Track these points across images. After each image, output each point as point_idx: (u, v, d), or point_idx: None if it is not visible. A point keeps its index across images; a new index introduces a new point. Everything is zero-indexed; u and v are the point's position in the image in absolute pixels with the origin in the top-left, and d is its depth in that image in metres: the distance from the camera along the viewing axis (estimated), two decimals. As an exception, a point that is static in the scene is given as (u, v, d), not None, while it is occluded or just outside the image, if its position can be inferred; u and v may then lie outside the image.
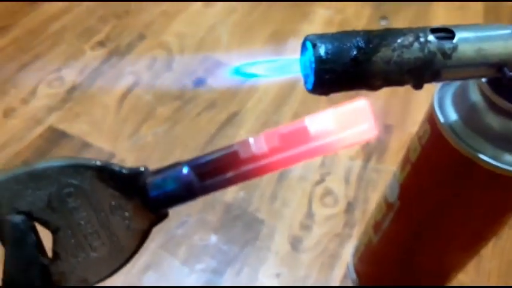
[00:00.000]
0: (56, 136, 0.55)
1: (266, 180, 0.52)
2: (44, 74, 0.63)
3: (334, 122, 0.14)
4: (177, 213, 0.49)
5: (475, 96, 0.29)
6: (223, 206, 0.49)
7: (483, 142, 0.28)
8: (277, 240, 0.47)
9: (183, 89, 0.63)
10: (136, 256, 0.45)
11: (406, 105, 0.63)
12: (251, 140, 0.15)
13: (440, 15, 0.80)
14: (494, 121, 0.28)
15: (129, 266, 0.44)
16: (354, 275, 0.45)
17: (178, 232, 0.47)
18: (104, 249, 0.16)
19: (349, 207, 0.51)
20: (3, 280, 0.15)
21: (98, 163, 0.15)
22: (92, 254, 0.15)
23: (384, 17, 0.78)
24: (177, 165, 0.15)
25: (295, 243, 0.47)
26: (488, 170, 0.28)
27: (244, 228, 0.48)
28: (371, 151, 0.57)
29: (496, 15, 0.81)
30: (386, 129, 0.60)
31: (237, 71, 0.26)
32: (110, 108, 0.59)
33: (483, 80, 0.28)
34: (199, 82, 0.64)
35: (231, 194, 0.51)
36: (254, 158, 0.14)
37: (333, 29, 0.69)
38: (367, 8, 0.79)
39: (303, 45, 0.23)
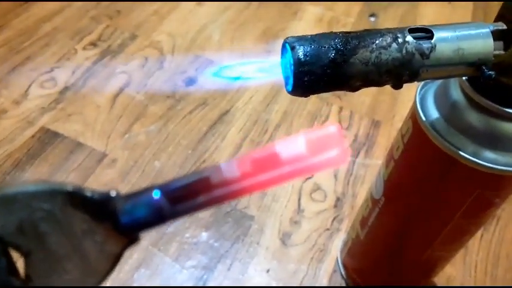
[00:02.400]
0: (49, 137, 0.56)
1: (257, 178, 0.53)
2: (36, 74, 0.63)
3: (305, 147, 0.15)
4: (169, 211, 0.49)
5: (456, 94, 0.30)
6: (215, 204, 0.50)
7: (464, 139, 0.29)
8: (267, 235, 0.48)
9: (174, 88, 0.64)
10: (128, 254, 0.45)
11: (394, 102, 0.64)
12: (223, 166, 0.15)
13: (429, 12, 0.81)
14: (474, 119, 0.29)
15: (120, 263, 0.45)
16: (342, 270, 0.46)
17: (169, 229, 0.48)
18: (77, 271, 0.16)
19: (338, 202, 0.52)
20: None
21: (69, 188, 0.15)
22: (65, 277, 0.15)
23: (373, 14, 0.79)
24: (149, 190, 0.15)
25: (285, 239, 0.48)
26: (469, 166, 0.29)
27: (235, 225, 0.49)
28: (359, 147, 0.58)
29: (484, 12, 0.82)
30: (374, 125, 0.61)
31: (220, 73, 0.27)
32: (102, 108, 0.60)
33: (464, 78, 0.29)
34: (191, 81, 0.65)
35: (222, 191, 0.51)
36: (225, 182, 0.15)
37: (323, 27, 0.70)
38: (356, 6, 0.80)
39: (283, 48, 0.24)
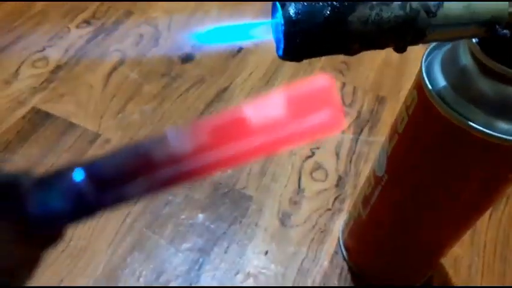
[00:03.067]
0: (40, 117, 0.54)
1: (255, 157, 0.51)
2: (28, 54, 0.61)
3: (285, 109, 0.11)
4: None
5: (466, 59, 0.27)
6: (211, 184, 0.48)
7: (474, 109, 0.27)
8: (266, 216, 0.46)
9: (170, 65, 0.61)
10: (121, 236, 0.44)
11: (399, 76, 0.61)
12: (170, 135, 0.11)
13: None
14: (486, 86, 0.26)
15: (114, 246, 0.43)
16: (344, 251, 0.44)
17: (164, 211, 0.46)
18: None
19: (340, 182, 0.50)
20: None
21: None
22: None
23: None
24: (69, 170, 0.12)
25: (284, 219, 0.46)
26: (481, 138, 0.26)
27: (232, 206, 0.47)
28: (363, 124, 0.55)
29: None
30: (379, 101, 0.58)
31: (211, 37, 0.24)
32: (95, 87, 0.58)
33: (474, 41, 0.26)
34: (187, 58, 0.62)
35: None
36: (173, 159, 0.11)
37: None
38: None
39: (273, 6, 0.21)
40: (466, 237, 0.47)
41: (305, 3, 0.20)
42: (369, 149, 0.53)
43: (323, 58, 0.62)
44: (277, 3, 0.20)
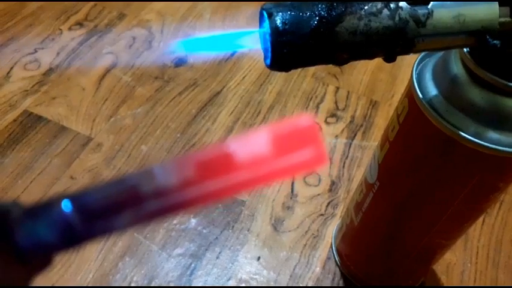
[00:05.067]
0: (32, 120, 0.53)
1: (248, 161, 0.51)
2: (19, 56, 0.61)
3: (269, 146, 0.11)
4: (155, 197, 0.47)
5: (457, 68, 0.27)
6: (203, 189, 0.48)
7: (464, 118, 0.26)
8: (259, 221, 0.46)
9: (163, 68, 0.61)
10: (112, 241, 0.43)
11: (393, 80, 0.61)
12: (156, 169, 0.11)
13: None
14: (477, 95, 0.26)
15: (105, 251, 0.43)
16: (337, 257, 0.44)
17: (156, 217, 0.45)
18: None
19: (333, 187, 0.50)
20: None
21: None
22: None
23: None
24: (56, 201, 0.12)
25: (277, 225, 0.46)
26: (471, 148, 0.26)
27: (225, 211, 0.46)
28: (356, 128, 0.55)
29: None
30: (372, 105, 0.58)
31: (198, 47, 0.24)
32: (87, 90, 0.57)
33: (465, 50, 0.26)
34: (180, 61, 0.62)
35: (211, 176, 0.49)
36: (159, 192, 0.11)
37: None
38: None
39: (261, 16, 0.21)
40: (459, 243, 0.47)
41: (292, 13, 0.20)
42: (362, 154, 0.53)
43: (317, 62, 0.62)
44: (264, 13, 0.20)
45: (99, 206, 0.12)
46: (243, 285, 0.42)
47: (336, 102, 0.58)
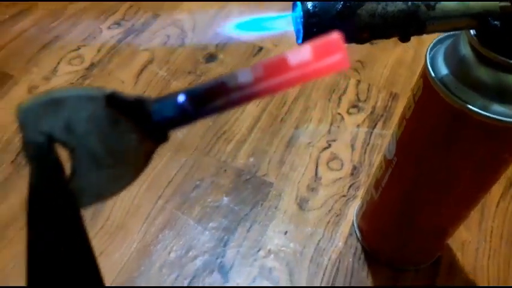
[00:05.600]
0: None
1: (275, 147, 0.55)
2: (64, 52, 0.66)
3: (310, 53, 0.16)
4: (191, 177, 0.51)
5: (465, 50, 0.30)
6: (234, 171, 0.52)
7: (472, 93, 0.30)
8: (285, 200, 0.50)
9: (195, 63, 0.66)
10: (154, 216, 0.48)
11: (412, 74, 0.64)
12: (238, 71, 0.16)
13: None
14: (483, 73, 0.29)
15: (147, 225, 0.47)
16: (358, 233, 0.48)
17: (192, 195, 0.50)
18: (115, 167, 0.18)
19: (355, 171, 0.53)
20: (29, 194, 0.17)
21: (108, 91, 0.17)
22: (105, 171, 0.18)
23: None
24: (175, 93, 0.17)
25: (302, 204, 0.50)
26: (478, 120, 0.29)
27: (254, 191, 0.51)
28: (377, 118, 0.59)
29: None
30: (393, 97, 0.61)
31: (241, 26, 0.28)
32: (127, 83, 0.62)
33: (472, 33, 0.29)
34: (211, 57, 0.67)
35: (241, 160, 0.53)
36: (241, 86, 0.16)
37: None
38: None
39: (294, 3, 0.25)
40: (474, 223, 0.50)
41: (321, -1, 0.24)
42: (382, 141, 0.56)
43: (339, 56, 0.66)
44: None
45: (202, 95, 0.17)
46: (272, 256, 0.46)
47: (357, 94, 0.62)
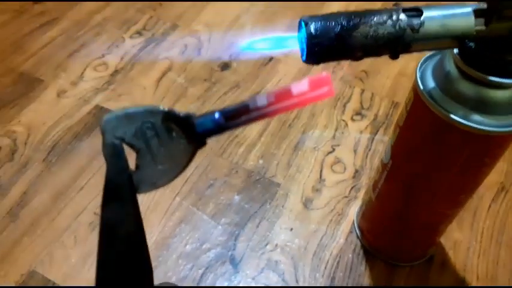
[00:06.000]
0: (102, 113, 0.64)
1: (283, 150, 0.59)
2: (90, 59, 0.72)
3: (307, 86, 0.22)
4: (206, 176, 0.56)
5: (450, 66, 0.35)
6: (245, 172, 0.57)
7: (455, 105, 0.34)
8: (292, 200, 0.54)
9: (211, 72, 0.70)
10: (171, 211, 0.53)
11: (413, 85, 0.68)
12: (257, 97, 0.23)
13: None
14: (464, 87, 0.34)
15: (165, 219, 0.52)
16: (358, 231, 0.52)
17: (207, 192, 0.55)
18: (167, 163, 0.24)
19: (356, 174, 0.57)
20: (105, 181, 0.24)
21: (166, 109, 0.23)
22: (160, 167, 0.24)
23: (396, 4, 0.83)
24: (213, 112, 0.24)
25: (307, 203, 0.54)
26: (460, 128, 0.34)
27: (263, 190, 0.55)
28: (378, 125, 0.63)
29: None
30: (394, 106, 0.66)
31: (250, 46, 0.33)
32: (148, 89, 0.67)
33: (455, 52, 0.34)
34: (225, 66, 0.72)
35: (252, 162, 0.58)
36: (258, 108, 0.23)
37: None
38: (382, -4, 0.84)
39: (299, 24, 0.30)
40: (466, 224, 0.54)
41: (322, 23, 0.29)
42: (383, 147, 0.60)
43: (345, 67, 0.70)
44: (302, 23, 0.29)
45: (231, 114, 0.23)
46: (278, 250, 0.50)
47: (361, 102, 0.66)
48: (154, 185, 0.24)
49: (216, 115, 0.23)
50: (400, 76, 0.70)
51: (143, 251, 0.25)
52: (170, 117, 0.23)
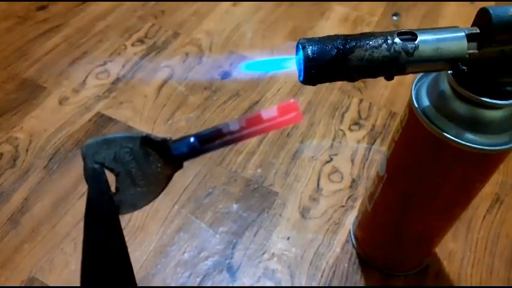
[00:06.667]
0: (103, 121, 0.65)
1: (281, 159, 0.60)
2: (92, 67, 0.73)
3: (276, 112, 0.25)
4: (204, 185, 0.57)
5: (444, 86, 0.36)
6: (244, 181, 0.58)
7: (448, 123, 0.35)
8: (289, 209, 0.55)
9: (211, 80, 0.71)
10: (170, 219, 0.53)
11: (410, 95, 0.69)
12: (229, 123, 0.25)
13: (450, 12, 0.86)
14: (457, 106, 0.35)
15: (164, 227, 0.53)
16: (354, 240, 0.53)
17: (205, 201, 0.55)
18: (145, 186, 0.25)
19: (353, 184, 0.58)
20: (86, 204, 0.25)
21: (143, 134, 0.25)
22: (138, 189, 0.25)
23: (396, 14, 0.84)
24: (188, 136, 0.25)
25: (304, 212, 0.55)
26: (453, 146, 0.35)
27: (261, 199, 0.56)
28: (376, 135, 0.64)
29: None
30: (391, 116, 0.67)
31: (250, 66, 0.34)
32: (149, 97, 0.68)
33: (449, 73, 0.35)
34: (226, 75, 0.73)
35: (250, 170, 0.59)
36: (231, 132, 0.25)
37: (347, 26, 0.77)
38: (381, 5, 0.85)
39: (297, 47, 0.31)
40: (461, 234, 0.55)
41: (319, 46, 0.30)
42: (379, 157, 0.61)
43: (343, 77, 0.71)
44: (300, 46, 0.30)
45: (206, 138, 0.25)
46: (275, 258, 0.51)
47: (359, 112, 0.67)
48: (134, 207, 0.25)
49: (191, 139, 0.25)
50: (398, 86, 0.71)
51: (127, 271, 0.26)
52: (147, 142, 0.25)
